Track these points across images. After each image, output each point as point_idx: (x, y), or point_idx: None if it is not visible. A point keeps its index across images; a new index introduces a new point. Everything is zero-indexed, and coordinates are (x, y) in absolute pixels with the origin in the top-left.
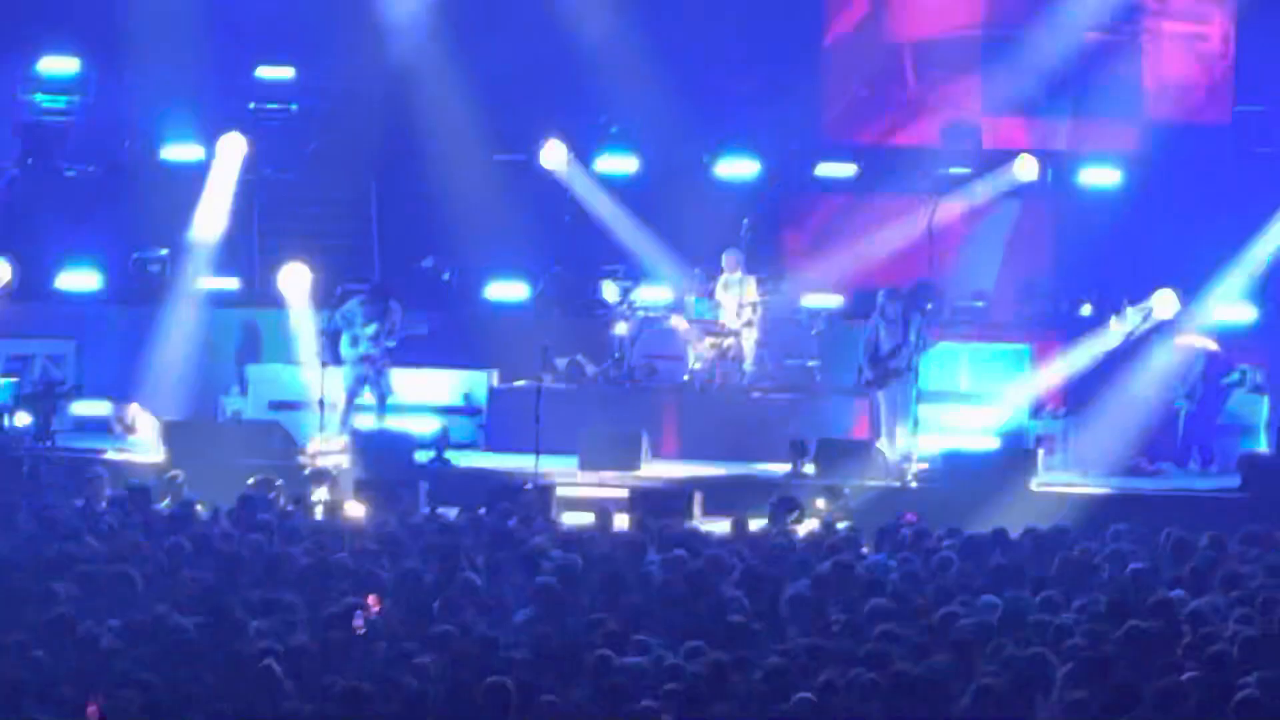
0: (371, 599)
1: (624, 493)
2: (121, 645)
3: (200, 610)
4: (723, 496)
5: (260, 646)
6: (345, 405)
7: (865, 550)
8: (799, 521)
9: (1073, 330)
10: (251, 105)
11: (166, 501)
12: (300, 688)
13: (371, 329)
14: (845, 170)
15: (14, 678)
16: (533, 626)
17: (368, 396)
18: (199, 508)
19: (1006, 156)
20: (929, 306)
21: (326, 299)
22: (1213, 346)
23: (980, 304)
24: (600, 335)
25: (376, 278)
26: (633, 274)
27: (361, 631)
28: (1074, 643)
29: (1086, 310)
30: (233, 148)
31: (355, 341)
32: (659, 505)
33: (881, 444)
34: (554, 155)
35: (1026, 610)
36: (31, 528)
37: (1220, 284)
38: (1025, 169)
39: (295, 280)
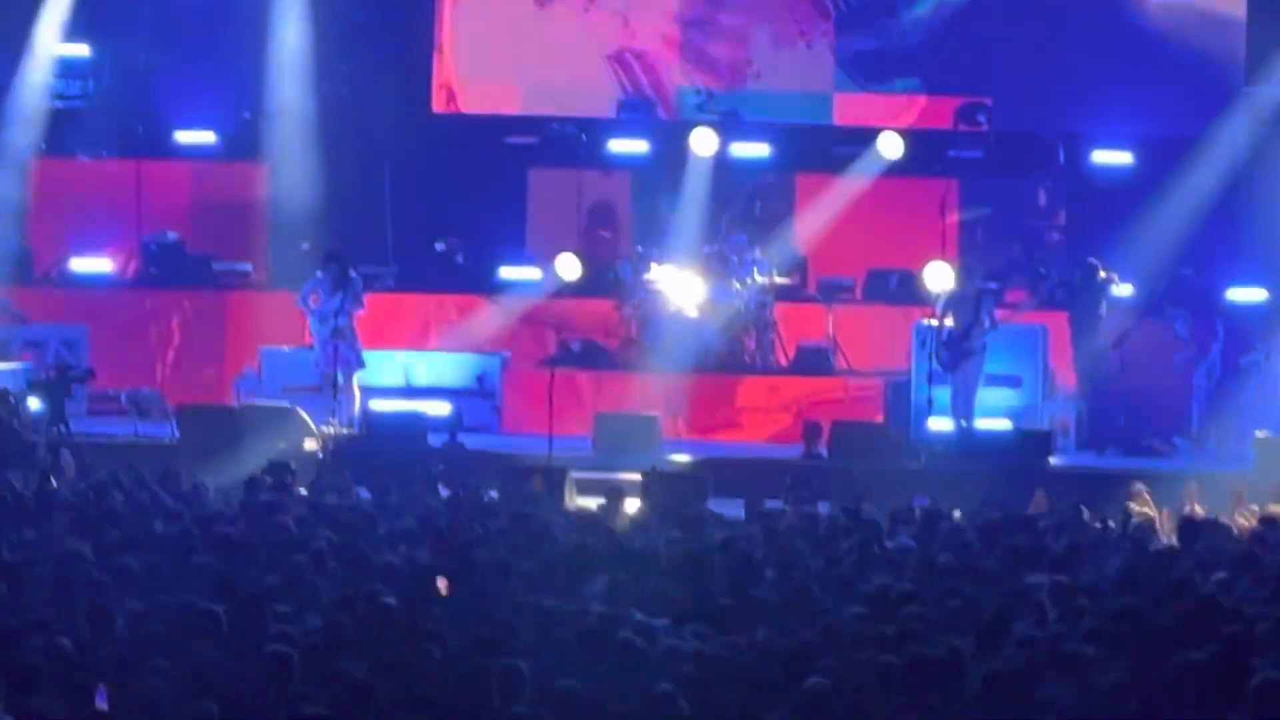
0: (441, 582)
1: (637, 475)
2: (137, 631)
3: (214, 596)
4: (736, 479)
5: (274, 632)
6: (331, 389)
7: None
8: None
9: (1088, 310)
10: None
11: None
12: (313, 675)
13: (335, 302)
14: (859, 152)
15: (28, 663)
16: (546, 610)
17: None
18: (212, 492)
19: (1018, 137)
20: (995, 286)
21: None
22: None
23: (993, 285)
24: (614, 317)
25: (328, 247)
26: (646, 256)
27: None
28: (1089, 624)
29: (1121, 290)
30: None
31: (323, 319)
32: (672, 487)
33: (945, 425)
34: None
35: (1041, 592)
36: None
37: (1233, 265)
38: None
39: None
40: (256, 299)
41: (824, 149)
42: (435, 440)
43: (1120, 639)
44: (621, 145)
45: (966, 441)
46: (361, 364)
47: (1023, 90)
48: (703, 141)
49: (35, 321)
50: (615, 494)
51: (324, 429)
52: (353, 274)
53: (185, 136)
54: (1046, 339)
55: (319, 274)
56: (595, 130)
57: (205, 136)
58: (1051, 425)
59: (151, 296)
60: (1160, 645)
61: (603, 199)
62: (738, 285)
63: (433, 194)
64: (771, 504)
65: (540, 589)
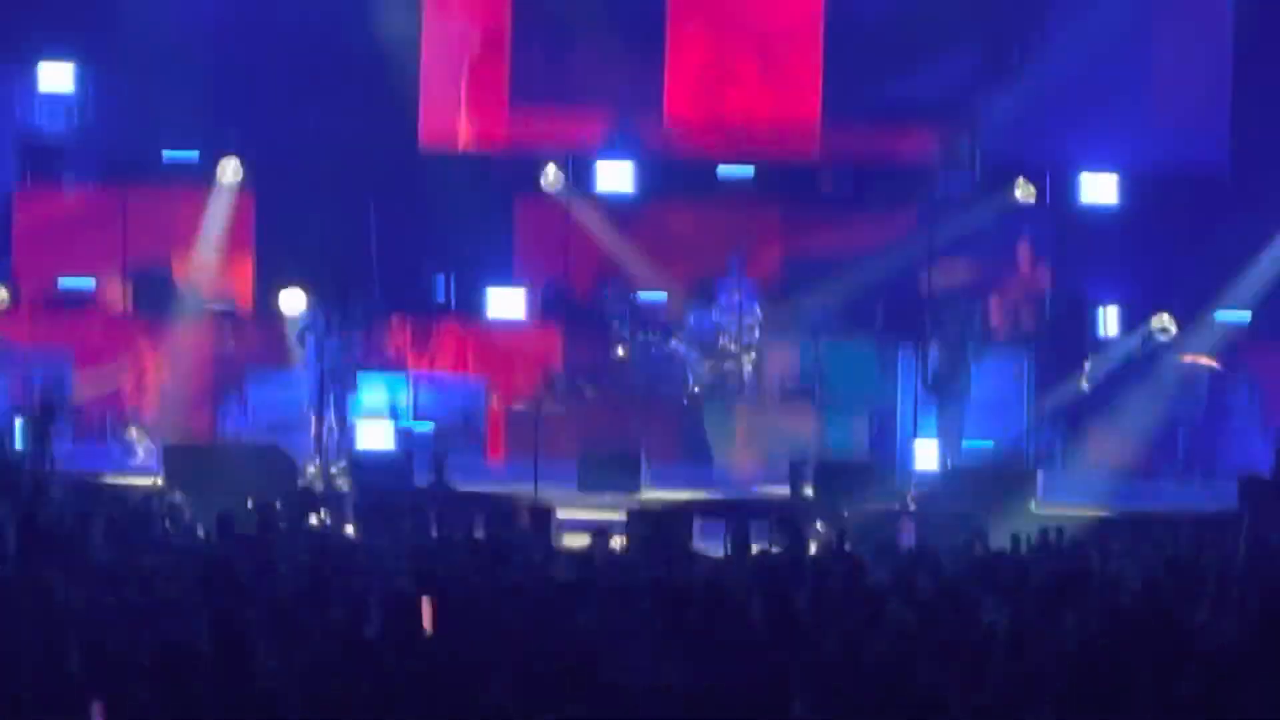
0: (426, 618)
1: (622, 514)
2: (127, 670)
3: (200, 632)
4: (722, 516)
5: (261, 669)
6: (317, 425)
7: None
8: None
9: (1073, 347)
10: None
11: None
12: (299, 711)
13: (332, 339)
14: (842, 186)
15: (15, 695)
16: (531, 648)
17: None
18: (199, 530)
19: (1005, 176)
20: (977, 322)
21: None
22: (1215, 366)
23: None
24: (600, 355)
25: (326, 281)
26: (631, 293)
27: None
28: (1073, 659)
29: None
30: (231, 170)
31: (321, 352)
32: (658, 526)
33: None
34: (552, 179)
35: (1027, 627)
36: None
37: (1221, 302)
38: (1025, 193)
39: (293, 301)
40: (243, 330)
41: (807, 178)
42: (421, 479)
43: (1104, 674)
44: (606, 181)
45: (951, 477)
46: (356, 397)
47: (1009, 119)
48: None
49: (21, 351)
50: (601, 531)
51: (310, 466)
52: (350, 309)
53: (171, 166)
54: (1033, 368)
55: (317, 308)
56: (582, 159)
57: (193, 165)
58: (1037, 454)
59: (137, 327)
60: (1144, 680)
61: (589, 227)
62: (726, 316)
63: (419, 223)
64: (757, 541)
65: (525, 626)
